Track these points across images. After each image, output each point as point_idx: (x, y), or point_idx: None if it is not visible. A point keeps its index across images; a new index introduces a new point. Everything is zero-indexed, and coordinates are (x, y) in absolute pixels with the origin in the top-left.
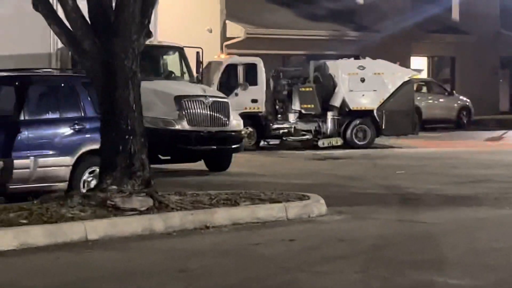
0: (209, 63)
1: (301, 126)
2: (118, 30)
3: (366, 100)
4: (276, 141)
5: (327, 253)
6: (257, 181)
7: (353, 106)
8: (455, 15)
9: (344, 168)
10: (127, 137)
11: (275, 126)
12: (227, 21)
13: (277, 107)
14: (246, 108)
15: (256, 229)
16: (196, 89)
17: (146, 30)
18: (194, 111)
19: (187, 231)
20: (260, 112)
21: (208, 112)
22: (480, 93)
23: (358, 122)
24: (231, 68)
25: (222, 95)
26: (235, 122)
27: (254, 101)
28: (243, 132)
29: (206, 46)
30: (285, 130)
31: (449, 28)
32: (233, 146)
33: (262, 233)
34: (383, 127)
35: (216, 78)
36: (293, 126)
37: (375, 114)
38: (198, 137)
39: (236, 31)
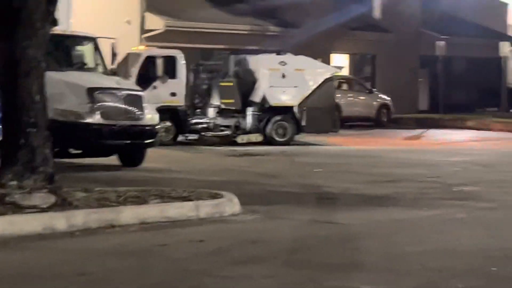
0: (127, 55)
1: (221, 121)
2: (21, 17)
3: (286, 96)
4: (195, 136)
5: (237, 256)
6: (171, 177)
7: (273, 102)
8: (377, 13)
9: (261, 165)
10: (28, 130)
11: (194, 120)
12: (146, 13)
13: (196, 101)
14: (164, 102)
15: (165, 229)
16: (109, 82)
17: (52, 18)
18: (107, 104)
19: (91, 230)
20: (179, 106)
21: (122, 106)
22: (400, 92)
23: (278, 118)
24: (150, 61)
25: (136, 87)
26: (150, 116)
27: (173, 94)
28: (159, 127)
29: (125, 38)
30: (204, 125)
31: (371, 26)
32: (147, 141)
33: (171, 233)
34: (304, 124)
35: (135, 70)
36: (212, 121)
37: (296, 110)
38: (110, 131)
39: (156, 23)
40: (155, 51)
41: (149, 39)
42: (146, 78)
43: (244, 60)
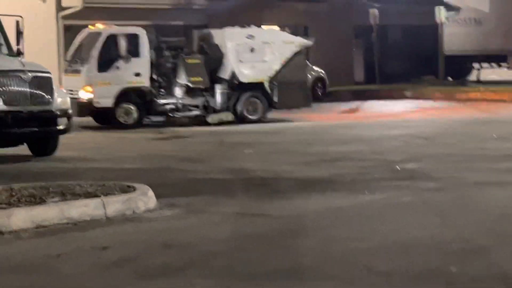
0: (87, 34)
1: (189, 101)
2: None
3: (256, 71)
4: (161, 118)
5: (145, 267)
6: (85, 167)
7: (243, 78)
8: None
9: (189, 148)
10: None
11: (162, 101)
12: None
13: (160, 80)
14: (129, 83)
15: (64, 233)
16: (14, 64)
17: None
18: (10, 88)
19: None
20: (144, 86)
21: (28, 90)
22: (334, 64)
23: (248, 95)
24: (111, 39)
25: (45, 69)
26: (61, 100)
27: (137, 74)
28: (71, 111)
29: (39, 17)
30: (172, 106)
31: None
32: (58, 127)
33: (70, 238)
34: (275, 100)
35: (96, 50)
36: (180, 101)
37: (266, 86)
38: (16, 118)
39: (73, 0)
40: (116, 29)
41: (67, 17)
42: (107, 58)
43: (209, 35)
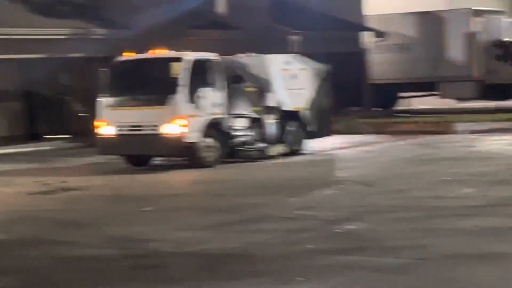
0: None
1: (253, 132)
2: None
3: (297, 99)
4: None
5: None
6: None
7: (289, 106)
8: (221, 9)
9: (74, 206)
10: None
11: (236, 133)
12: None
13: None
14: (212, 114)
15: None
16: None
17: None
18: None
19: None
20: (224, 118)
21: None
22: None
23: (293, 124)
24: (195, 66)
25: None
26: None
27: (217, 105)
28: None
29: None
30: (243, 139)
31: (214, 23)
32: None
33: None
34: (311, 129)
35: (184, 78)
36: (249, 133)
37: (304, 114)
38: None
39: None
40: (198, 55)
41: None
42: (194, 87)
43: (254, 60)
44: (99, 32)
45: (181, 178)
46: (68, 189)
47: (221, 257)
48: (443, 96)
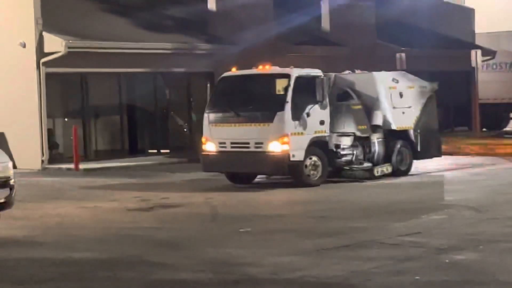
0: (278, 80)
1: (358, 151)
2: None
3: (405, 118)
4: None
5: None
6: (17, 257)
7: (396, 125)
8: (326, 25)
9: (172, 225)
10: None
11: (341, 152)
12: (44, 33)
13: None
14: (316, 132)
15: None
16: None
17: None
18: None
19: None
20: (328, 136)
21: None
22: None
23: (401, 144)
24: (299, 82)
25: None
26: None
27: (321, 122)
28: (12, 181)
29: (20, 63)
30: (348, 158)
31: (319, 39)
32: None
33: None
34: (419, 149)
35: (290, 95)
36: (354, 151)
37: (412, 134)
38: None
39: (55, 44)
40: (303, 71)
41: (49, 64)
42: (300, 104)
43: (360, 77)
44: (203, 47)
45: (283, 198)
46: (167, 206)
47: (321, 285)
48: None
